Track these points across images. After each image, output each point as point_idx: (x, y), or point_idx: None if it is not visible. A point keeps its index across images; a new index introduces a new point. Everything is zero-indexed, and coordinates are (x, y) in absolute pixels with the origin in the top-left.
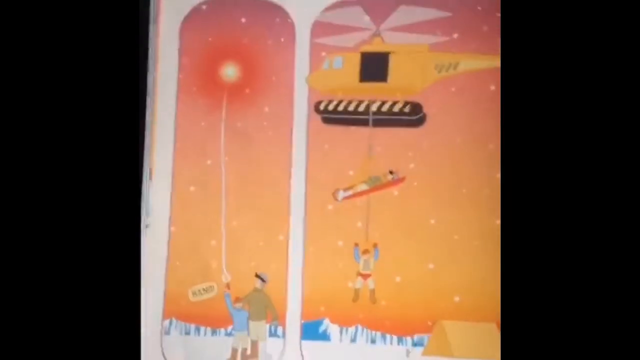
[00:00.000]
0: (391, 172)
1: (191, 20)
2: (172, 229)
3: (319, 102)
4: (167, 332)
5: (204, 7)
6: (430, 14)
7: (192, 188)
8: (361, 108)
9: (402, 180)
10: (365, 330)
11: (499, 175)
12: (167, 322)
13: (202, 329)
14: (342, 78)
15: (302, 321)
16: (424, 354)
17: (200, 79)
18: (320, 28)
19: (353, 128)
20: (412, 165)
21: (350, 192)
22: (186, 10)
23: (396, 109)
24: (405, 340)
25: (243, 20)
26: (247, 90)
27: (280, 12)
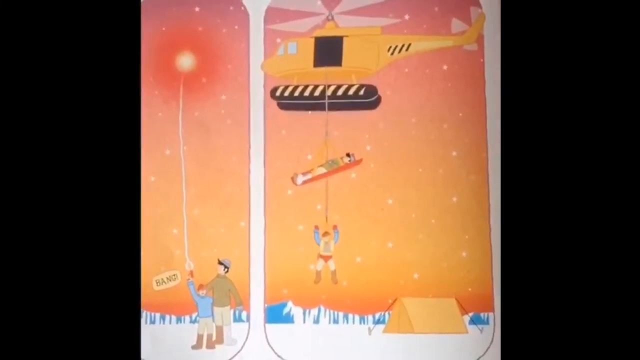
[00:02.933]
0: (348, 155)
1: (145, 10)
2: None
3: (275, 88)
4: None
5: None
6: None
7: (152, 178)
8: (317, 93)
9: (359, 162)
10: (327, 310)
11: (454, 154)
12: None
13: (167, 317)
14: (297, 63)
15: (266, 305)
16: (386, 331)
17: (156, 69)
18: (273, 14)
19: (309, 113)
20: (368, 147)
21: (309, 176)
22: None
23: (351, 92)
24: (367, 318)
25: (197, 9)
26: (204, 79)
27: (234, 0)
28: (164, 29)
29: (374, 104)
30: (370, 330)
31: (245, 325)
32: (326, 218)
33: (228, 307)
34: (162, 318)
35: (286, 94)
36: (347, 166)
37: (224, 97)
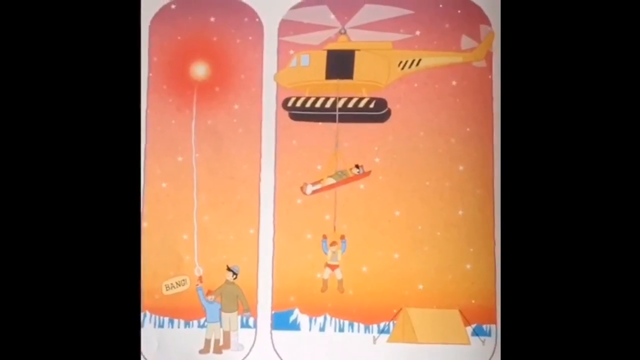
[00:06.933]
0: (357, 166)
1: (161, 19)
2: (145, 224)
3: (287, 99)
4: (142, 325)
5: (173, 6)
6: (394, 12)
7: (164, 184)
8: (328, 104)
9: (367, 174)
10: (333, 319)
11: (461, 168)
12: (141, 315)
13: (176, 321)
14: (309, 75)
15: (273, 312)
16: (390, 340)
17: (171, 77)
18: (287, 26)
19: (320, 124)
20: (377, 160)
21: (318, 186)
22: (156, 9)
23: (362, 105)
24: (372, 328)
25: (212, 19)
26: (217, 88)
27: (249, 11)
28: (179, 38)
29: (383, 117)
30: (374, 339)
31: (252, 331)
32: (334, 228)
33: (236, 313)
34: (171, 322)
35: (298, 104)
36: (356, 177)
37: (236, 106)
